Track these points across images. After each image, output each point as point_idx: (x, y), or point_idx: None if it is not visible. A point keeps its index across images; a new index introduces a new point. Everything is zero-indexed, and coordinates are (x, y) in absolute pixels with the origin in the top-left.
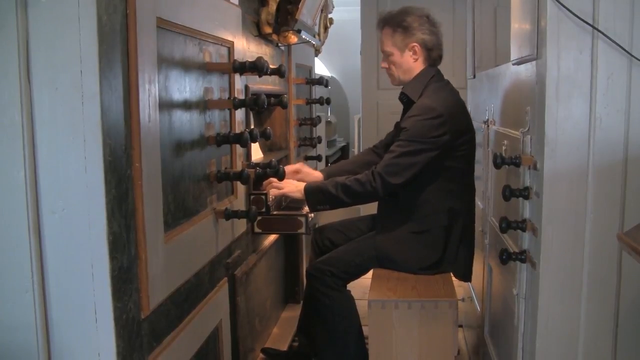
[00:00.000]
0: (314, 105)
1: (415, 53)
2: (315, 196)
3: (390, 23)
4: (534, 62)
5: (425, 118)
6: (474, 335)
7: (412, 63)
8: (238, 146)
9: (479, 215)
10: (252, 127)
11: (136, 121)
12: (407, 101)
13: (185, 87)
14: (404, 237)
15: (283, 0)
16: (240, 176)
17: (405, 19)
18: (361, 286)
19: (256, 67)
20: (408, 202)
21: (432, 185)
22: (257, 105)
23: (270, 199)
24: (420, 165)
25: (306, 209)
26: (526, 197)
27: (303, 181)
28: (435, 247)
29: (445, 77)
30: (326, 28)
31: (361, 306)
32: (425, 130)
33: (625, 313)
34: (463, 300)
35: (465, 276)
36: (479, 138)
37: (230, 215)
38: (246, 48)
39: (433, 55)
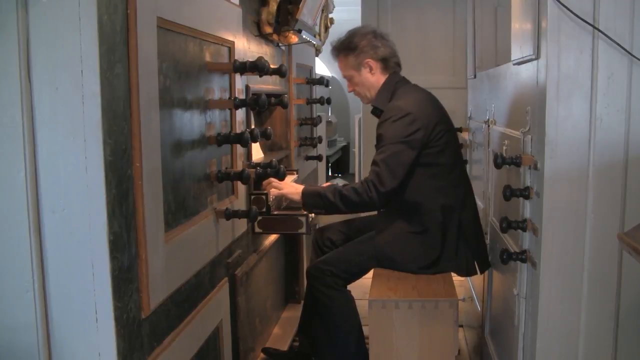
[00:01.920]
0: (314, 105)
1: (371, 69)
2: (313, 200)
3: (341, 49)
4: (534, 62)
5: (395, 119)
6: (475, 335)
7: (371, 78)
8: (239, 146)
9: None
10: (253, 127)
11: (136, 121)
12: (380, 113)
13: (186, 87)
14: (403, 237)
15: (284, 0)
16: (241, 176)
17: (352, 41)
18: (361, 286)
19: (257, 67)
20: (404, 203)
21: (422, 184)
22: (257, 105)
23: (270, 199)
24: (406, 165)
25: None
26: (527, 197)
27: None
28: (433, 246)
29: (445, 77)
30: (327, 28)
31: (362, 306)
32: (399, 131)
33: (626, 313)
34: (463, 299)
35: (469, 271)
36: (479, 138)
37: (230, 215)
38: (247, 48)
39: (390, 64)
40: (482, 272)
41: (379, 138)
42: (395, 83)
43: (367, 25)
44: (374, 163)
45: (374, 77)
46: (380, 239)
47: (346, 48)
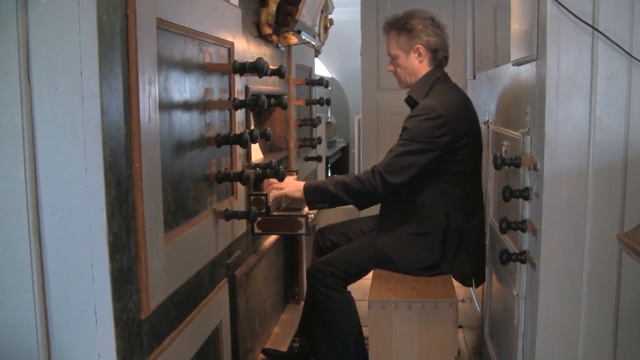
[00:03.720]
0: (314, 105)
1: (420, 55)
2: (315, 195)
3: (395, 26)
4: (534, 63)
5: (426, 118)
6: (474, 335)
7: (417, 65)
8: (238, 147)
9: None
10: (252, 127)
11: (136, 122)
12: (413, 103)
13: (186, 87)
14: (403, 238)
15: (283, 1)
16: (241, 177)
17: (409, 22)
18: (362, 287)
19: (256, 68)
20: (408, 204)
21: (432, 187)
22: (257, 106)
23: (271, 200)
24: (421, 165)
25: (306, 209)
26: (526, 198)
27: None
28: (433, 250)
29: None
30: (326, 29)
31: (362, 307)
32: (426, 130)
33: (625, 313)
34: (463, 300)
35: (464, 280)
36: None
37: (230, 215)
38: (246, 49)
39: (438, 56)
40: (477, 286)
41: (404, 130)
42: (437, 78)
43: (428, 10)
44: (391, 150)
45: (420, 65)
46: (380, 239)
47: (401, 27)
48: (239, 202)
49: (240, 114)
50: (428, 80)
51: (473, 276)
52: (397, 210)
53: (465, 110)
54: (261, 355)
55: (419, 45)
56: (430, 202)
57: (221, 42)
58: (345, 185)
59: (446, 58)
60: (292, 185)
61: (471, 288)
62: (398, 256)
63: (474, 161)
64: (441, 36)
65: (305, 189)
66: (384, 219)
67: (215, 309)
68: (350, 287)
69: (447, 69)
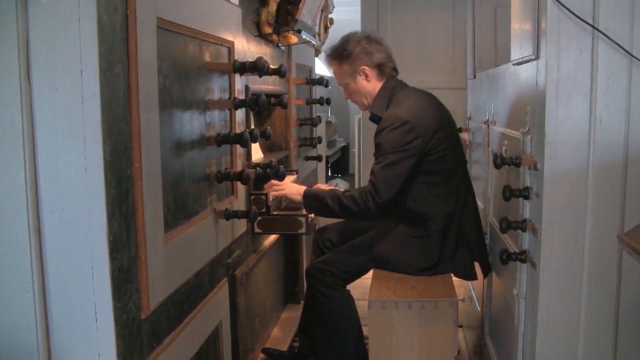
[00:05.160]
0: (314, 105)
1: (366, 76)
2: (313, 202)
3: (334, 56)
4: (534, 63)
5: (393, 128)
6: (474, 335)
7: (367, 85)
8: (238, 146)
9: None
10: (252, 127)
11: (136, 121)
12: (377, 120)
13: (186, 87)
14: (401, 239)
15: (283, 1)
16: (241, 176)
17: (346, 48)
18: (361, 286)
19: (256, 68)
20: (405, 211)
21: (423, 192)
22: (257, 105)
23: (271, 199)
24: (404, 174)
25: None
26: (526, 197)
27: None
28: (432, 251)
29: (445, 77)
30: (326, 28)
31: (361, 306)
32: (397, 140)
33: (626, 313)
34: (463, 300)
35: (467, 275)
36: (479, 138)
37: (230, 215)
38: (246, 48)
39: (385, 70)
40: (485, 275)
41: (377, 147)
42: (392, 88)
43: (360, 31)
44: (372, 173)
45: (370, 84)
46: (379, 241)
47: (340, 56)
48: (239, 201)
49: (240, 114)
50: (384, 93)
51: (480, 267)
52: (394, 213)
53: (430, 107)
54: (261, 355)
55: (363, 67)
56: (425, 208)
57: (221, 42)
58: (342, 204)
59: (394, 68)
60: (293, 188)
61: (471, 287)
62: (396, 258)
63: (454, 155)
64: (381, 50)
65: (305, 193)
66: (383, 221)
67: (215, 309)
68: (350, 287)
69: (447, 68)
